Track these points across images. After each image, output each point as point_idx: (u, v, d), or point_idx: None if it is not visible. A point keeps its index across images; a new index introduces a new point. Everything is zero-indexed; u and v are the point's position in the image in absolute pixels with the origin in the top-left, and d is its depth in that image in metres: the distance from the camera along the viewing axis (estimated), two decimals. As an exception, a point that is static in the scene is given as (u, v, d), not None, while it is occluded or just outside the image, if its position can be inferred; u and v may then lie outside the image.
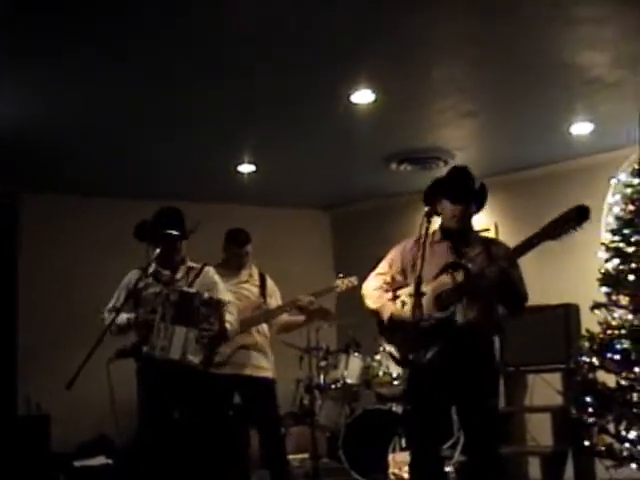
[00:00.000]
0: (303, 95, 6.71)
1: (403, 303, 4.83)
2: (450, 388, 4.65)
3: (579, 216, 4.33)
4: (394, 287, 4.95)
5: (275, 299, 6.61)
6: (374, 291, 4.98)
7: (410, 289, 4.74)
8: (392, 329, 4.83)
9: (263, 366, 6.39)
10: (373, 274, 5.09)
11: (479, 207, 4.90)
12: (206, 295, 5.49)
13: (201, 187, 9.16)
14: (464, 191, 4.79)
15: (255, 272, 6.61)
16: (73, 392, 4.85)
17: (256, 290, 6.54)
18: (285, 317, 6.67)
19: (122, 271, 5.80)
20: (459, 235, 4.80)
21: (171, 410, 5.52)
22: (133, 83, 6.33)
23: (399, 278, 4.98)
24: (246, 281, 6.53)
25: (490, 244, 4.89)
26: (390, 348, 4.89)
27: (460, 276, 4.66)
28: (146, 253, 5.59)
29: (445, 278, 4.68)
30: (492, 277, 4.50)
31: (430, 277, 4.66)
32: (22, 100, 6.58)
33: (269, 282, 6.64)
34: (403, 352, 4.77)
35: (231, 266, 6.51)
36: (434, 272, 4.69)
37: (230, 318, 5.65)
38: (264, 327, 6.54)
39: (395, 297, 4.90)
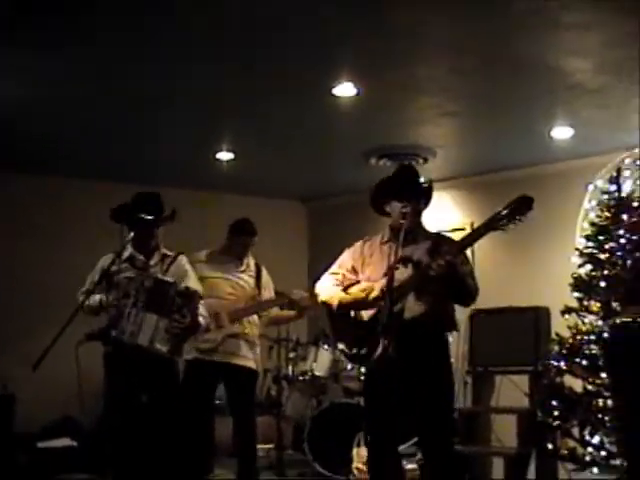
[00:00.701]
0: (286, 85, 6.68)
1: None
2: (404, 385, 4.65)
3: (523, 207, 4.35)
4: (345, 285, 4.98)
5: (268, 291, 6.64)
6: (327, 287, 5.03)
7: (361, 285, 4.85)
8: (341, 323, 4.88)
9: (248, 356, 6.43)
10: (326, 274, 5.14)
11: (426, 203, 4.94)
12: (183, 286, 5.49)
13: (179, 173, 9.13)
14: (412, 190, 4.83)
15: (252, 263, 6.63)
16: (40, 373, 4.83)
17: (252, 281, 6.56)
18: (276, 310, 6.69)
19: (96, 254, 5.77)
20: (407, 233, 4.78)
21: (138, 394, 5.53)
22: (115, 66, 6.27)
23: (350, 276, 5.01)
24: (243, 271, 6.55)
25: (439, 240, 4.90)
26: (341, 345, 4.92)
27: (408, 271, 4.68)
28: (121, 236, 5.57)
29: (395, 274, 4.69)
30: (439, 270, 4.49)
31: (380, 274, 4.72)
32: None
33: (264, 274, 6.67)
34: (353, 348, 4.80)
35: (232, 255, 6.53)
36: (382, 269, 4.72)
37: (204, 312, 5.67)
38: (255, 318, 6.55)
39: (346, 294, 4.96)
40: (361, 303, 4.76)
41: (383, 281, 4.64)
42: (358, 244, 5.07)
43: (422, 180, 4.92)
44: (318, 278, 5.18)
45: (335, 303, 4.89)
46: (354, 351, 4.80)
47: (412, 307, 4.63)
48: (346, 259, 5.06)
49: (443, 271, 4.48)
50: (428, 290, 4.65)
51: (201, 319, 5.62)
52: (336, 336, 4.98)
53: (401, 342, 4.55)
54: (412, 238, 4.79)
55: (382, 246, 4.87)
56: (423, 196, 4.89)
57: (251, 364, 6.44)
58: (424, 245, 4.79)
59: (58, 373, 5.82)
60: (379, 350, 4.51)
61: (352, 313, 4.84)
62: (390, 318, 4.44)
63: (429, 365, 4.68)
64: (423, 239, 4.85)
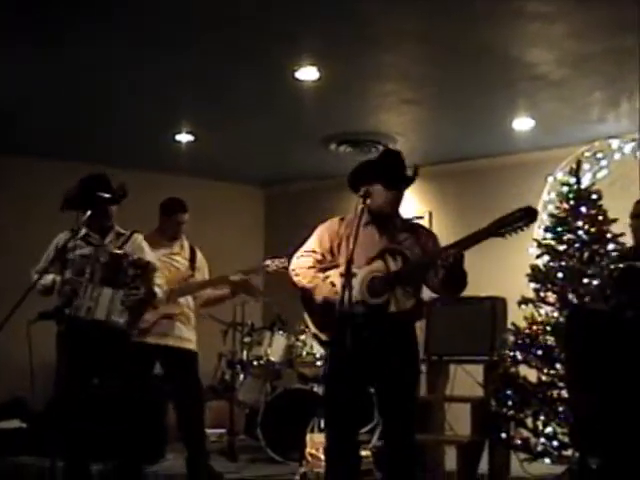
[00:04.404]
0: (248, 68, 6.63)
1: (332, 284, 4.73)
2: (371, 372, 4.63)
3: (527, 217, 4.36)
4: (324, 266, 4.86)
5: (202, 273, 6.57)
6: (307, 269, 4.86)
7: (340, 270, 4.66)
8: (317, 307, 4.75)
9: (186, 337, 6.35)
10: (302, 250, 4.97)
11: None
12: (135, 256, 5.46)
13: (136, 154, 9.05)
14: (399, 177, 4.76)
15: (186, 245, 6.56)
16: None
17: (186, 263, 6.49)
18: (209, 291, 6.62)
19: (50, 233, 5.71)
20: (387, 219, 4.75)
21: (91, 376, 5.48)
22: (74, 47, 6.19)
23: (328, 257, 4.89)
24: (177, 253, 6.48)
25: (417, 230, 4.86)
26: (314, 328, 4.83)
27: (395, 263, 4.64)
28: (76, 220, 5.50)
29: (378, 263, 4.64)
30: (447, 260, 4.43)
31: (361, 260, 4.59)
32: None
33: (199, 256, 6.60)
34: (329, 333, 4.72)
35: (165, 236, 6.45)
36: (363, 255, 4.61)
37: (159, 282, 5.64)
38: (189, 299, 6.49)
39: (325, 278, 4.81)
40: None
41: (366, 269, 4.61)
42: (334, 222, 4.92)
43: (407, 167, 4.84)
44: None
45: (319, 299, 4.72)
46: (327, 336, 4.72)
47: (400, 300, 4.60)
48: (324, 238, 4.89)
49: (451, 262, 4.42)
50: (413, 284, 4.64)
51: (157, 289, 5.60)
52: (311, 319, 4.86)
53: (381, 333, 4.54)
54: (392, 225, 4.76)
55: (361, 229, 4.61)
56: (407, 184, 4.82)
57: (189, 345, 6.36)
58: (404, 235, 4.75)
59: (9, 353, 5.74)
60: (356, 339, 4.45)
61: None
62: (345, 305, 4.40)
63: (402, 354, 4.66)
64: (403, 228, 4.80)
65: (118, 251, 5.49)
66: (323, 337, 4.76)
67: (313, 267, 4.87)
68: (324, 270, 4.83)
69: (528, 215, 4.37)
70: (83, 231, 5.55)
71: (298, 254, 4.99)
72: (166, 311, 6.21)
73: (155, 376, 6.46)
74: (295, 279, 4.92)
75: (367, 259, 4.63)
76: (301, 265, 4.91)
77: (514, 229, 4.38)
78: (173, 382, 6.40)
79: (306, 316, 4.87)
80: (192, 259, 6.53)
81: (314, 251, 4.91)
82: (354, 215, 4.70)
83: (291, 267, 4.98)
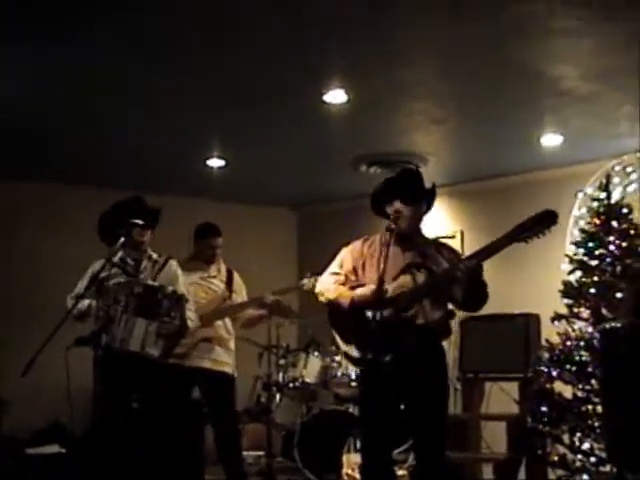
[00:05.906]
0: (276, 92, 6.68)
1: None
2: (401, 388, 4.64)
3: (547, 220, 4.36)
4: (348, 287, 4.89)
5: (241, 296, 6.64)
6: (331, 285, 4.93)
7: (365, 289, 4.73)
8: (348, 325, 4.79)
9: (224, 361, 6.41)
10: (326, 273, 5.04)
11: (428, 208, 4.89)
12: (170, 289, 5.49)
13: (168, 179, 9.09)
14: (416, 192, 4.79)
15: (223, 268, 6.64)
16: (29, 378, 4.80)
17: (223, 286, 6.56)
18: (249, 312, 6.69)
19: (86, 259, 5.77)
20: (407, 237, 4.77)
21: (129, 400, 5.53)
22: (104, 71, 6.27)
23: (352, 278, 4.93)
24: (214, 276, 6.56)
25: (440, 247, 4.89)
26: (345, 347, 4.85)
27: (421, 276, 4.66)
28: (109, 246, 5.57)
29: (405, 279, 4.67)
30: (462, 276, 4.47)
31: (388, 278, 4.61)
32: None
33: (236, 278, 6.67)
34: (361, 351, 4.74)
35: (200, 260, 6.53)
36: (388, 273, 4.61)
37: (191, 315, 5.70)
38: (228, 322, 6.55)
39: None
40: (374, 302, 4.59)
41: (394, 284, 4.64)
42: (358, 243, 4.98)
43: (426, 184, 4.87)
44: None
45: (347, 302, 4.78)
46: (361, 354, 4.73)
47: (428, 312, 4.62)
48: (347, 259, 4.96)
49: (466, 276, 4.46)
50: (440, 296, 4.66)
51: (189, 322, 5.65)
52: (341, 337, 4.89)
53: (411, 348, 4.55)
54: (412, 242, 4.79)
55: (382, 248, 4.68)
56: (425, 200, 4.85)
57: (226, 368, 6.43)
58: (428, 251, 4.78)
59: (47, 378, 5.80)
60: (389, 355, 4.48)
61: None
62: (381, 322, 4.44)
63: (430, 369, 4.67)
64: (422, 244, 4.83)
65: (153, 283, 5.55)
66: (354, 353, 4.77)
67: (337, 283, 4.92)
68: (350, 289, 4.86)
69: (548, 218, 4.38)
70: (119, 255, 5.61)
71: (322, 277, 5.05)
72: (204, 335, 6.28)
73: (194, 400, 6.52)
74: (321, 298, 4.99)
75: (393, 275, 4.65)
76: (324, 284, 4.99)
77: (535, 233, 4.38)
78: (210, 405, 6.46)
79: (335, 335, 4.90)
80: (229, 282, 6.59)
81: (337, 273, 4.97)
82: (381, 235, 4.78)
83: (316, 290, 5.04)
